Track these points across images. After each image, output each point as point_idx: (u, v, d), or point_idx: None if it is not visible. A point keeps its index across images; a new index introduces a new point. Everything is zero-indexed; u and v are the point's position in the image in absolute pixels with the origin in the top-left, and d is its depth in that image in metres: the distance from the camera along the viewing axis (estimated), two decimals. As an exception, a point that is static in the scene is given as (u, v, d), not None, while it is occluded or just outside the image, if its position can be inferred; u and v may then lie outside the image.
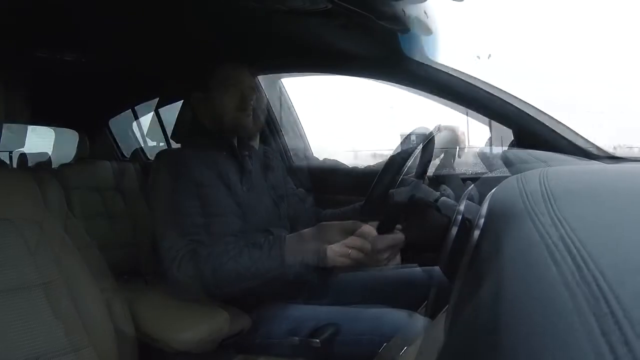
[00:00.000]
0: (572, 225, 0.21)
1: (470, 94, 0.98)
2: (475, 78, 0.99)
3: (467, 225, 0.55)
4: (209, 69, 0.99)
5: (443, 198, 0.65)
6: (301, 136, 1.50)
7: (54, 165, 2.42)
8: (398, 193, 0.67)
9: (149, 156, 2.27)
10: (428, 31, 0.94)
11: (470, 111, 1.02)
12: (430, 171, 0.89)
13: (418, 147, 0.79)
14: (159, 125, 2.03)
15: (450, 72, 1.00)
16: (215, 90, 0.97)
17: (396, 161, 0.99)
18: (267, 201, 0.95)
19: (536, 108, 0.96)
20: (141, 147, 2.29)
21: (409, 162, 0.70)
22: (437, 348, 0.40)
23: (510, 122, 0.97)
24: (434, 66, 1.02)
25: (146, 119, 2.22)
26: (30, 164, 2.45)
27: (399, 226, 0.76)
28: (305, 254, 0.81)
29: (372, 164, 1.12)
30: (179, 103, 1.13)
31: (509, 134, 0.98)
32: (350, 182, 1.06)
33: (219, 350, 0.81)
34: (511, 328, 0.19)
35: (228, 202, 0.88)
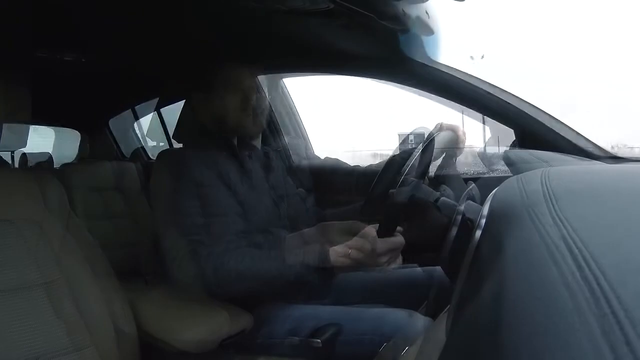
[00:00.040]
0: (573, 226, 0.21)
1: (471, 94, 0.98)
2: (476, 78, 0.99)
3: (468, 225, 0.55)
4: (210, 69, 0.99)
5: (443, 198, 0.65)
6: (302, 135, 1.50)
7: (55, 165, 2.42)
8: (398, 193, 0.66)
9: (150, 156, 2.27)
10: (429, 31, 0.94)
11: (471, 111, 1.02)
12: (431, 171, 0.89)
13: (418, 147, 0.79)
14: (160, 125, 2.03)
15: (451, 73, 1.00)
16: (216, 91, 0.97)
17: (396, 161, 0.99)
18: (268, 201, 0.95)
19: (538, 108, 0.96)
20: (142, 147, 2.29)
21: (410, 162, 0.70)
22: (438, 348, 0.40)
23: (512, 122, 0.97)
24: (436, 66, 1.02)
25: (146, 119, 2.23)
26: (30, 163, 2.46)
27: (399, 228, 0.76)
28: (306, 254, 0.81)
29: (371, 163, 1.12)
30: (180, 103, 1.13)
31: (509, 134, 0.98)
32: (351, 182, 1.06)
33: (219, 350, 0.81)
34: (513, 328, 0.19)
35: (229, 202, 0.88)
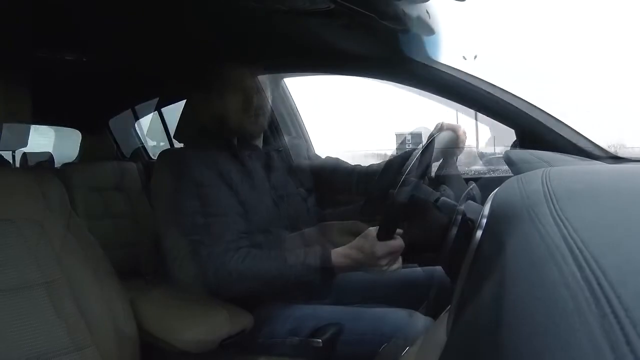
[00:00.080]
0: (574, 226, 0.21)
1: (472, 94, 0.98)
2: (477, 78, 0.99)
3: (469, 225, 0.55)
4: (210, 69, 0.99)
5: (443, 198, 0.65)
6: (303, 135, 1.50)
7: (56, 164, 2.42)
8: (398, 193, 0.66)
9: (151, 155, 2.27)
10: (430, 31, 0.94)
11: (471, 111, 1.02)
12: (431, 171, 0.89)
13: (419, 147, 0.79)
14: (161, 125, 2.03)
15: (452, 73, 1.00)
16: (216, 91, 0.97)
17: (396, 161, 0.99)
18: (268, 201, 0.95)
19: (538, 108, 0.96)
20: (143, 146, 2.29)
21: (410, 162, 0.70)
22: (438, 348, 0.40)
23: (512, 122, 0.97)
24: (436, 66, 1.02)
25: (146, 119, 2.23)
26: (30, 163, 2.46)
27: (399, 230, 0.76)
28: (307, 254, 0.81)
29: (372, 163, 1.12)
30: (181, 103, 1.13)
31: (510, 134, 0.98)
32: (351, 182, 1.06)
33: (219, 350, 0.81)
34: (513, 328, 0.19)
35: (230, 202, 0.88)
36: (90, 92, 1.81)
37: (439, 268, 0.91)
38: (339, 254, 0.80)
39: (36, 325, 0.72)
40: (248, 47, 1.12)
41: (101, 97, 1.87)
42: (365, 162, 1.11)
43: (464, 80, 0.99)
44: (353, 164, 1.11)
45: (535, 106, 0.96)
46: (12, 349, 0.69)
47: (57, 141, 2.81)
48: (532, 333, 0.17)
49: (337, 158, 1.12)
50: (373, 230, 0.76)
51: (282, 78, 1.44)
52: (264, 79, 0.99)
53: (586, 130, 0.93)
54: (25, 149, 2.50)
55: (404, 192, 0.66)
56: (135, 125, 2.27)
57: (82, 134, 2.22)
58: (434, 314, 0.80)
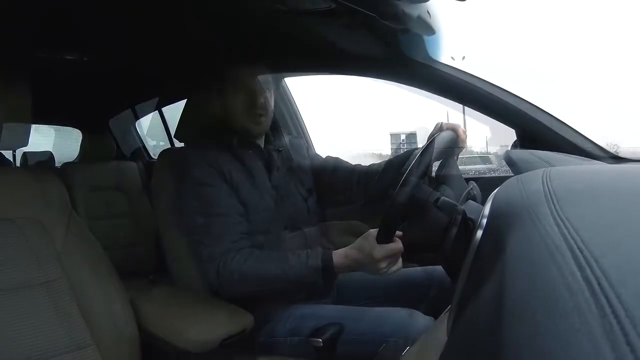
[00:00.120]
0: (574, 226, 0.21)
1: (472, 94, 0.98)
2: (477, 78, 0.99)
3: (470, 225, 0.55)
4: (210, 69, 0.99)
5: (443, 198, 0.65)
6: (304, 135, 1.50)
7: (56, 164, 2.42)
8: (398, 193, 0.66)
9: (152, 155, 2.27)
10: (431, 31, 0.94)
11: (472, 111, 1.02)
12: (431, 171, 0.89)
13: (419, 147, 0.78)
14: (162, 124, 2.03)
15: (453, 72, 1.00)
16: (216, 91, 0.97)
17: (396, 161, 0.99)
18: (269, 201, 0.95)
19: (538, 108, 0.96)
20: (143, 146, 2.29)
21: (410, 162, 0.70)
22: (439, 348, 0.40)
23: (512, 122, 0.97)
24: (437, 66, 1.01)
25: (147, 119, 2.23)
26: (30, 162, 2.46)
27: (399, 233, 0.76)
28: (308, 255, 0.81)
29: (372, 163, 1.12)
30: (182, 102, 1.13)
31: (510, 134, 0.98)
32: (352, 181, 1.06)
33: (220, 350, 0.81)
34: (513, 328, 0.19)
35: (230, 201, 0.88)
36: (91, 92, 1.81)
37: (439, 268, 0.91)
38: (340, 255, 0.80)
39: (37, 324, 0.72)
40: (248, 47, 1.12)
41: (101, 96, 1.88)
42: (366, 162, 1.11)
43: (465, 80, 0.99)
44: (353, 164, 1.11)
45: (535, 106, 0.96)
46: (13, 348, 0.69)
47: (58, 140, 2.81)
48: (532, 333, 0.17)
49: (337, 158, 1.12)
50: (373, 231, 0.76)
51: (283, 78, 1.44)
52: (267, 78, 0.99)
53: (586, 130, 0.94)
54: (25, 149, 2.50)
55: (404, 192, 0.66)
56: (136, 124, 2.27)
57: (82, 134, 2.23)
58: (434, 314, 0.80)
